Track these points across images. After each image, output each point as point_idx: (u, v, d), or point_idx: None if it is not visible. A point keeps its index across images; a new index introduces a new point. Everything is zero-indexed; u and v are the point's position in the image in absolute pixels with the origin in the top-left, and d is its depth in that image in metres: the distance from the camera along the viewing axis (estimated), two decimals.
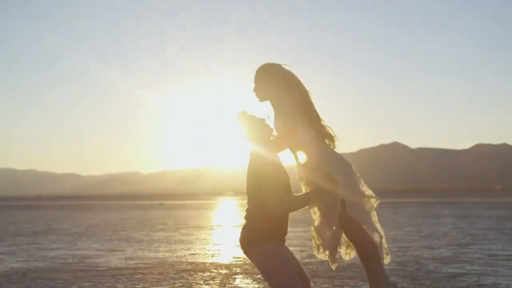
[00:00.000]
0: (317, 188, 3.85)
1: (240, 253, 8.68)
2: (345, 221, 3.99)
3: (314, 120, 4.13)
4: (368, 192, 4.11)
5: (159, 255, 8.73)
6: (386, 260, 4.07)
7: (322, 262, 7.55)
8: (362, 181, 4.10)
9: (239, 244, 3.83)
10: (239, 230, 3.86)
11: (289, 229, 3.96)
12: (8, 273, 6.92)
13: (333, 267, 4.22)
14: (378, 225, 4.09)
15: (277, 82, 4.10)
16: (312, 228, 4.24)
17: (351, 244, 4.22)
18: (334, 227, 4.07)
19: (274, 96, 4.11)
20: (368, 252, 4.02)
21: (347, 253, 4.25)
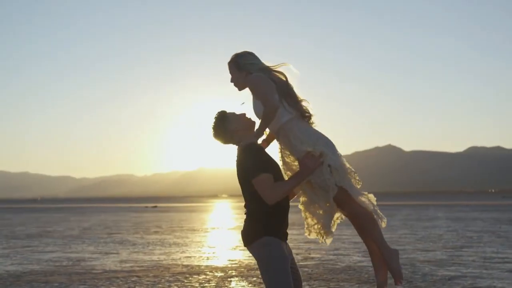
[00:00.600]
0: (303, 167, 3.79)
1: (236, 256, 8.68)
2: (339, 194, 3.98)
3: (292, 99, 4.11)
4: (352, 168, 4.13)
5: (154, 257, 8.71)
6: (383, 224, 4.10)
7: (318, 264, 7.56)
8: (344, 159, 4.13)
9: (241, 238, 3.83)
10: (241, 226, 3.85)
11: None
12: (3, 276, 6.88)
13: (321, 241, 4.23)
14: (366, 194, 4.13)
15: (249, 67, 4.09)
16: (302, 208, 4.23)
17: (332, 229, 4.24)
18: (327, 204, 4.07)
19: (249, 82, 4.08)
20: (365, 221, 4.03)
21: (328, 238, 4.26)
